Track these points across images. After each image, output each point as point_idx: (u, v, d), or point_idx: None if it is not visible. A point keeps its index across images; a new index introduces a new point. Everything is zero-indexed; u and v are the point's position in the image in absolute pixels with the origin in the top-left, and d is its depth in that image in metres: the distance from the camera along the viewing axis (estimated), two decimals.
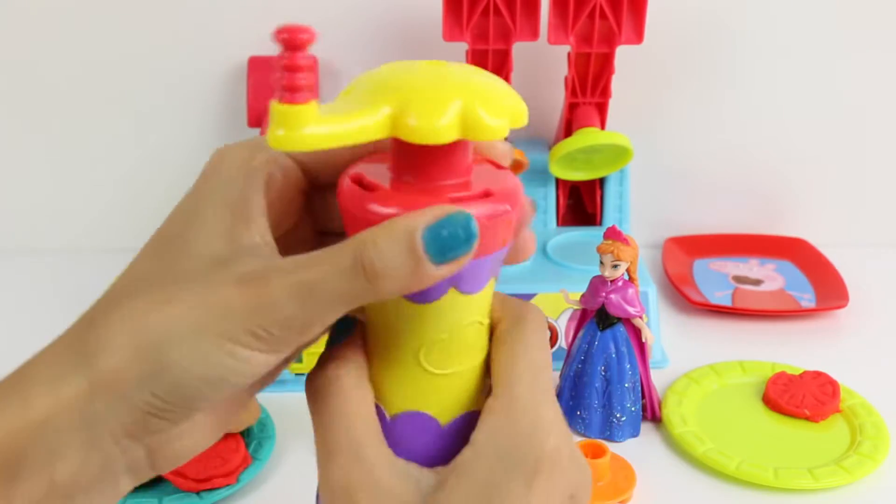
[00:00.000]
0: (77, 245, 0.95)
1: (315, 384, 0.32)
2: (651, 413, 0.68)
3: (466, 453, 0.32)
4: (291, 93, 0.27)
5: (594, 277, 0.67)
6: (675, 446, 0.66)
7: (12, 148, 0.92)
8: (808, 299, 0.85)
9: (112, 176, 0.93)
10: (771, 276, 0.90)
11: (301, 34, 0.27)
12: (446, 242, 0.28)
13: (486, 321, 0.33)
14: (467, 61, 0.81)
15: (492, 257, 0.31)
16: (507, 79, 0.81)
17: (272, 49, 0.87)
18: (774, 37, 0.88)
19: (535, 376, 0.32)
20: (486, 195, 0.30)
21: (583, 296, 0.68)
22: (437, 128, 0.28)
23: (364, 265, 0.28)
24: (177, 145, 0.91)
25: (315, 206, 0.34)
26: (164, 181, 0.93)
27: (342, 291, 0.28)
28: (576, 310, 0.69)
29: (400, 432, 0.33)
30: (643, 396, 0.68)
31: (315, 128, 0.27)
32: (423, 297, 0.31)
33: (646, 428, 0.68)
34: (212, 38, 0.87)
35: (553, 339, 0.75)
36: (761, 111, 0.91)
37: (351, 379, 0.32)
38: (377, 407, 0.33)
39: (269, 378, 0.32)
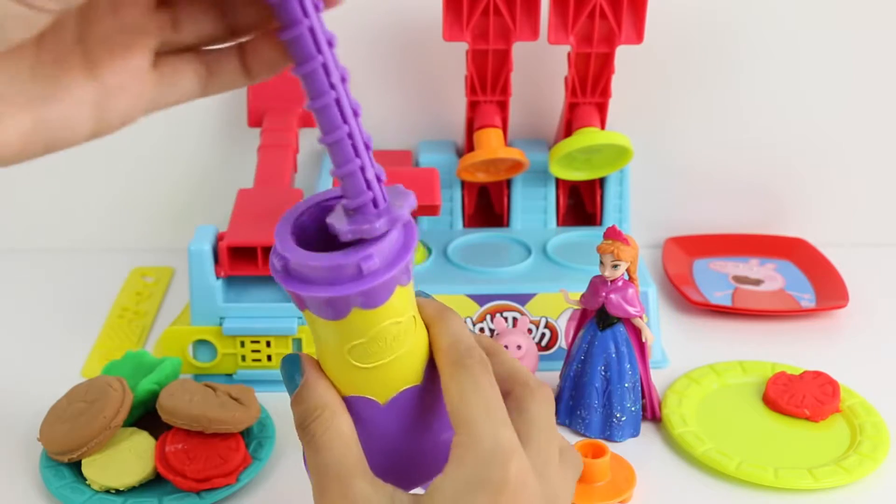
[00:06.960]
0: (77, 245, 0.95)
1: (297, 425, 0.39)
2: (651, 413, 0.68)
3: (437, 480, 0.37)
4: None
5: (594, 277, 0.67)
6: (675, 446, 0.66)
7: None
8: (808, 299, 0.85)
9: (112, 176, 0.93)
10: (771, 276, 0.89)
11: None
12: None
13: (404, 318, 0.38)
14: (467, 61, 0.81)
15: (386, 278, 0.35)
16: (506, 79, 0.81)
17: None
18: (774, 37, 0.88)
19: (489, 410, 0.38)
20: None
21: (583, 296, 0.68)
22: None
23: None
24: (177, 145, 0.91)
25: None
26: (164, 181, 0.93)
27: None
28: (576, 310, 0.69)
29: (352, 412, 0.39)
30: (643, 396, 0.68)
31: None
32: (333, 315, 0.36)
33: (646, 428, 0.68)
34: None
35: (553, 339, 0.75)
36: (761, 111, 0.91)
37: (326, 412, 0.39)
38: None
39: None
